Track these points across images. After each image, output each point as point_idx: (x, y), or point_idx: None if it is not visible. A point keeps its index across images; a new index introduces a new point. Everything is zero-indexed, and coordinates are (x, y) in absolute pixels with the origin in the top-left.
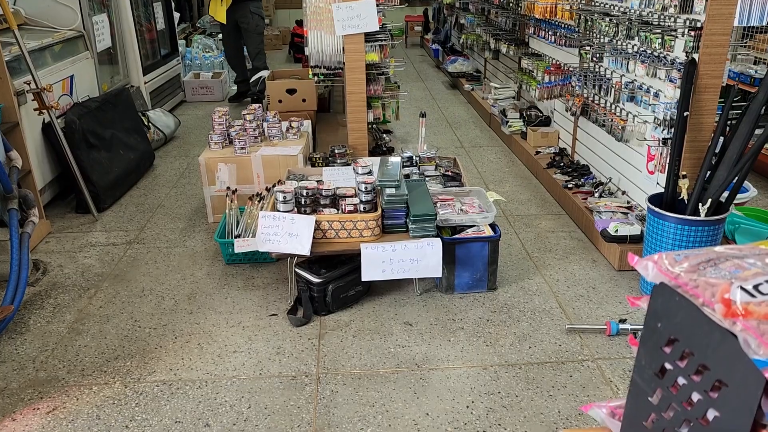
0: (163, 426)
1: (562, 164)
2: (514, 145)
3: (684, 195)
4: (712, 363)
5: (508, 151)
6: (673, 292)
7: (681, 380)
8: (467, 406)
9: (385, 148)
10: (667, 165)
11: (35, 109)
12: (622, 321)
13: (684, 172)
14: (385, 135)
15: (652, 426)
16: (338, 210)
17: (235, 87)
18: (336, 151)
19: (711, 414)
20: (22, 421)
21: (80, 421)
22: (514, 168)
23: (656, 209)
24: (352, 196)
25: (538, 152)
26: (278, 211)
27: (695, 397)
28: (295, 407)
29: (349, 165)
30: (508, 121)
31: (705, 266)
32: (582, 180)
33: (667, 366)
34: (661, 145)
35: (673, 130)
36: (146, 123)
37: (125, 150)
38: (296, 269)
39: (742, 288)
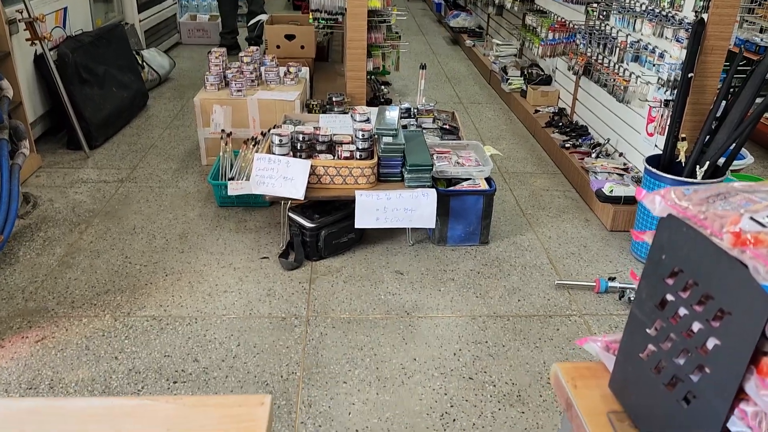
0: (152, 359)
1: (560, 124)
2: (513, 103)
3: (682, 158)
4: (716, 292)
5: (507, 109)
6: (681, 223)
7: (682, 311)
8: (454, 354)
9: (383, 100)
10: (667, 127)
11: (27, 39)
12: (612, 279)
13: (683, 135)
14: (383, 87)
15: (648, 358)
16: (334, 156)
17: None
18: (334, 98)
19: (711, 343)
20: (10, 348)
21: (69, 351)
22: (512, 126)
23: (653, 170)
24: (348, 143)
25: (537, 111)
26: (273, 154)
27: (696, 327)
28: (284, 347)
29: (346, 113)
30: (508, 79)
31: (714, 200)
32: (580, 140)
33: (669, 297)
34: (662, 106)
35: (675, 91)
36: (140, 62)
37: (118, 88)
38: (289, 213)
39: (752, 218)
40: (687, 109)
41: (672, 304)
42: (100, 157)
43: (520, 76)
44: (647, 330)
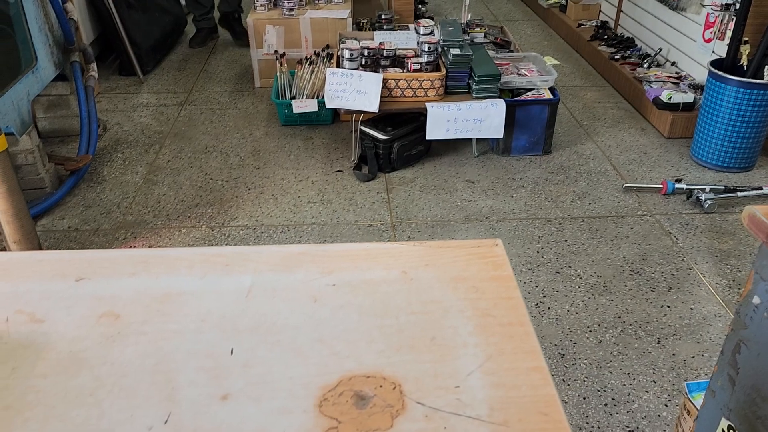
0: None
1: (605, 37)
2: (552, 19)
3: (744, 61)
4: None
5: (545, 25)
6: None
7: None
8: (537, 251)
9: (425, 17)
10: (727, 32)
11: None
12: (678, 180)
13: (746, 38)
14: (420, 5)
15: None
16: (403, 70)
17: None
18: (383, 16)
19: None
20: None
21: None
22: (553, 42)
23: (718, 72)
24: (414, 56)
25: (580, 25)
26: (344, 68)
27: None
28: None
29: (395, 30)
30: None
31: None
32: (628, 52)
33: None
34: (722, 10)
35: None
36: None
37: (160, 13)
38: (361, 127)
39: None
40: (751, 11)
41: None
42: (153, 82)
43: None
44: None
